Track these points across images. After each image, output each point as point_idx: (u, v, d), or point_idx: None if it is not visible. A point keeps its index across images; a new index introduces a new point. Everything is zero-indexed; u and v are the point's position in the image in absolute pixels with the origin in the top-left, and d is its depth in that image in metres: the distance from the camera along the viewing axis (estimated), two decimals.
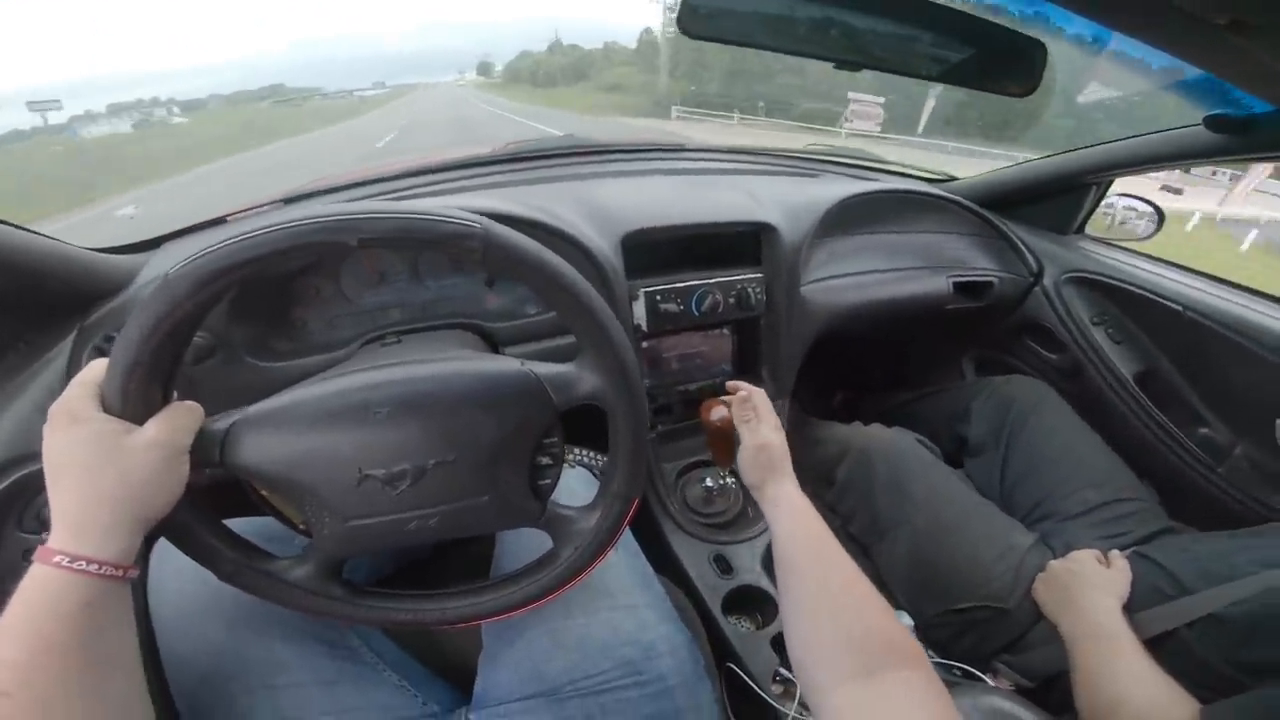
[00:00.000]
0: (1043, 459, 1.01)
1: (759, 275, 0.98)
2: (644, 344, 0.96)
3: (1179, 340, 1.10)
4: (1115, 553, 0.82)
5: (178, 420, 0.42)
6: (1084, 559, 0.81)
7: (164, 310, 0.39)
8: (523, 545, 0.63)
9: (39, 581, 0.38)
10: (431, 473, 0.46)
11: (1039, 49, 0.60)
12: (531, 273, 0.44)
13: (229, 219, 0.91)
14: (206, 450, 0.44)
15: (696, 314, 0.94)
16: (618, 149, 1.20)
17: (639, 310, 0.91)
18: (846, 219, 1.13)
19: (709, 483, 0.97)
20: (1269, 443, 0.97)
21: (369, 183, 1.02)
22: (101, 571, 0.38)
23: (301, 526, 0.53)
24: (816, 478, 1.11)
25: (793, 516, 0.59)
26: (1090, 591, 0.76)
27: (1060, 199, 1.25)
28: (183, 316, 0.40)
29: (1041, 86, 0.61)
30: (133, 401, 0.41)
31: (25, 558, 0.62)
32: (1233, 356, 1.00)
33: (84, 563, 0.38)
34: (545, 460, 0.51)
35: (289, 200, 0.96)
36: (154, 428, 0.41)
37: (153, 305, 0.39)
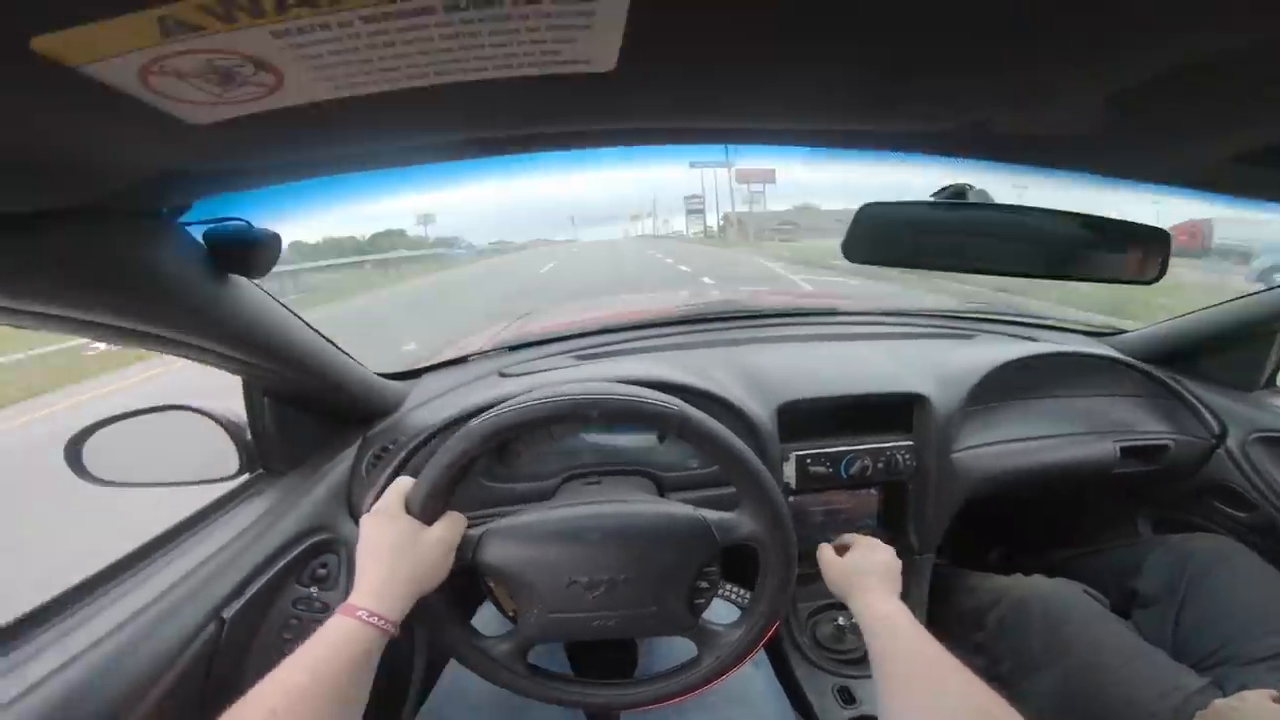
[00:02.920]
0: (1225, 608, 0.93)
1: (909, 443, 1.02)
2: (790, 499, 1.03)
3: None
4: None
5: (454, 526, 0.60)
6: (1254, 698, 0.72)
7: (466, 449, 0.60)
8: (664, 649, 0.77)
9: (339, 629, 0.50)
10: (619, 585, 0.61)
11: (1164, 238, 0.62)
12: (714, 448, 0.62)
13: (470, 359, 1.20)
14: (464, 549, 0.62)
15: (844, 477, 1.01)
16: (774, 313, 1.34)
17: (789, 470, 1.00)
18: (1002, 384, 1.13)
19: (841, 621, 1.02)
20: None
21: (570, 337, 1.27)
22: (385, 626, 0.51)
23: (510, 613, 0.69)
24: (967, 623, 1.09)
25: (876, 624, 0.63)
26: None
27: (1242, 350, 1.15)
28: (474, 455, 0.60)
29: None
30: (429, 510, 0.59)
31: (294, 605, 0.78)
32: None
33: (379, 619, 0.51)
34: (704, 584, 0.64)
35: (513, 348, 1.23)
36: (440, 529, 0.59)
37: (458, 445, 0.60)
